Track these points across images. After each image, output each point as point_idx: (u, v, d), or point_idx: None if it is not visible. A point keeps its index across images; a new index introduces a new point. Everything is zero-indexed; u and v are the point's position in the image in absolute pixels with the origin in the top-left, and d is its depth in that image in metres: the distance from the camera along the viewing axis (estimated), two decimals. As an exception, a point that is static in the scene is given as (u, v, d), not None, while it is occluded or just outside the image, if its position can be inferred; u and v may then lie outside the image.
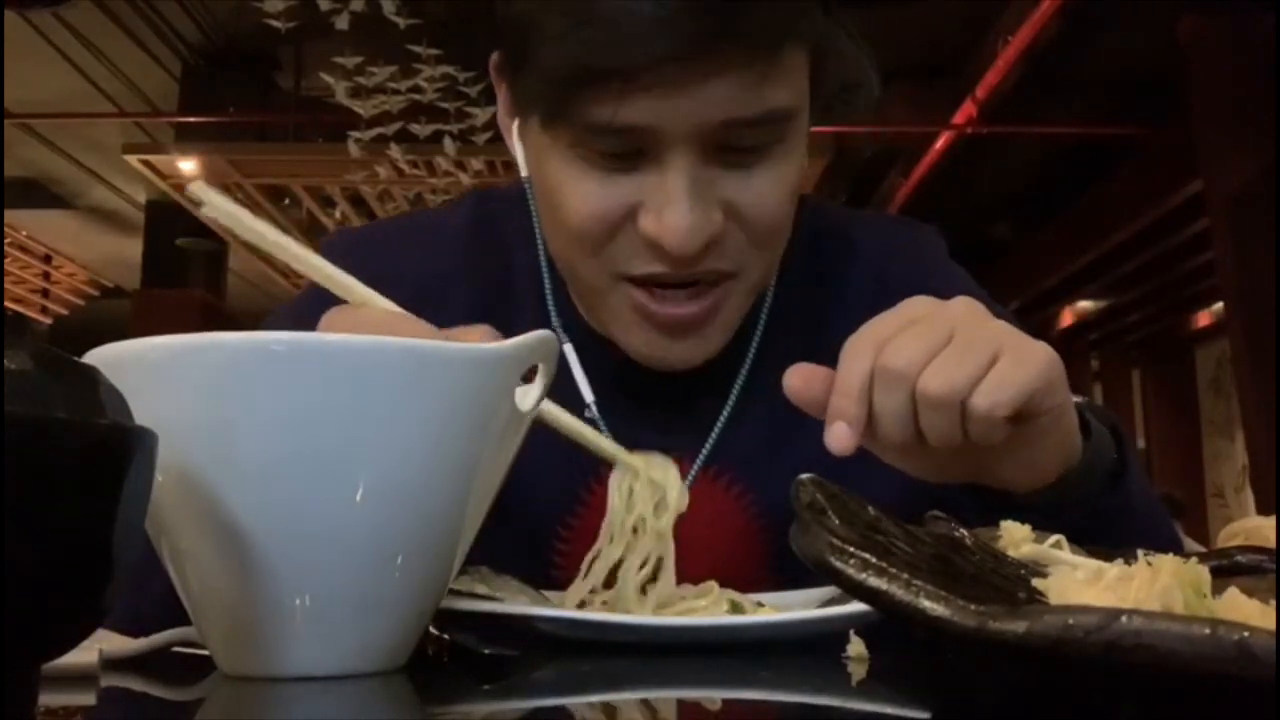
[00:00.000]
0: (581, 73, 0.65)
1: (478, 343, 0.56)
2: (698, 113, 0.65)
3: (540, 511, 0.81)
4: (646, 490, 0.67)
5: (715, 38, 0.63)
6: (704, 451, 0.82)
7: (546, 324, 0.81)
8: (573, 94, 0.65)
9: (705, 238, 0.68)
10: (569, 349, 0.79)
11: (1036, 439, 0.62)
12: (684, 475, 0.75)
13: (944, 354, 0.58)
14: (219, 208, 0.55)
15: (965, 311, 0.61)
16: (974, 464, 0.64)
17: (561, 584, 0.80)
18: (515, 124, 0.76)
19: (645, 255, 0.70)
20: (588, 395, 0.80)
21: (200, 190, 0.56)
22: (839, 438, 0.59)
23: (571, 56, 0.64)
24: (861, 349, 0.60)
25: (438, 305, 0.68)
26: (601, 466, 0.78)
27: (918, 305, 0.62)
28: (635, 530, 0.66)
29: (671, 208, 0.67)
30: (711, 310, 0.73)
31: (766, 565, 0.82)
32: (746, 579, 0.79)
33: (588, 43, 0.64)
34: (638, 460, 0.67)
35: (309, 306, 0.65)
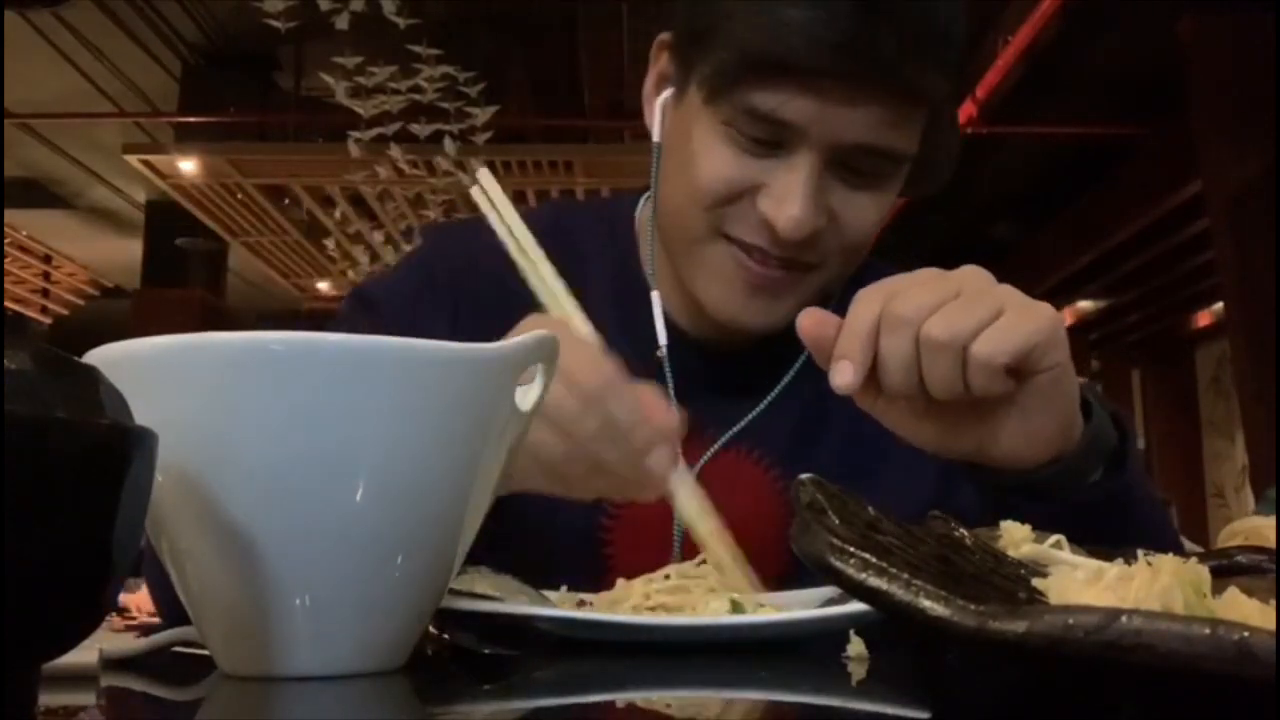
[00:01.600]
0: (763, 63, 0.75)
1: (645, 397, 0.66)
2: (840, 129, 0.76)
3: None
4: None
5: (883, 72, 0.74)
6: (735, 429, 0.89)
7: (636, 299, 0.91)
8: (747, 80, 0.76)
9: (810, 230, 0.78)
10: (655, 295, 0.90)
11: (1036, 400, 0.64)
12: (710, 445, 0.87)
13: (951, 304, 0.62)
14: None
15: (973, 274, 0.65)
16: (974, 432, 0.66)
17: (609, 547, 0.86)
18: (662, 96, 0.87)
19: (752, 228, 0.80)
20: (662, 338, 0.90)
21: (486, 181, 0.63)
22: (842, 376, 0.62)
23: (760, 47, 0.75)
24: (871, 297, 0.63)
25: (515, 292, 0.82)
26: None
27: (928, 271, 0.66)
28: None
29: (791, 200, 0.77)
30: (790, 283, 0.82)
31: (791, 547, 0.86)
32: (774, 555, 0.82)
33: (778, 40, 0.74)
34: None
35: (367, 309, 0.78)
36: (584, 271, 0.93)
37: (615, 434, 0.65)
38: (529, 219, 1.03)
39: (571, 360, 0.62)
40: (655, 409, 0.67)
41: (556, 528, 0.83)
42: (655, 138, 0.88)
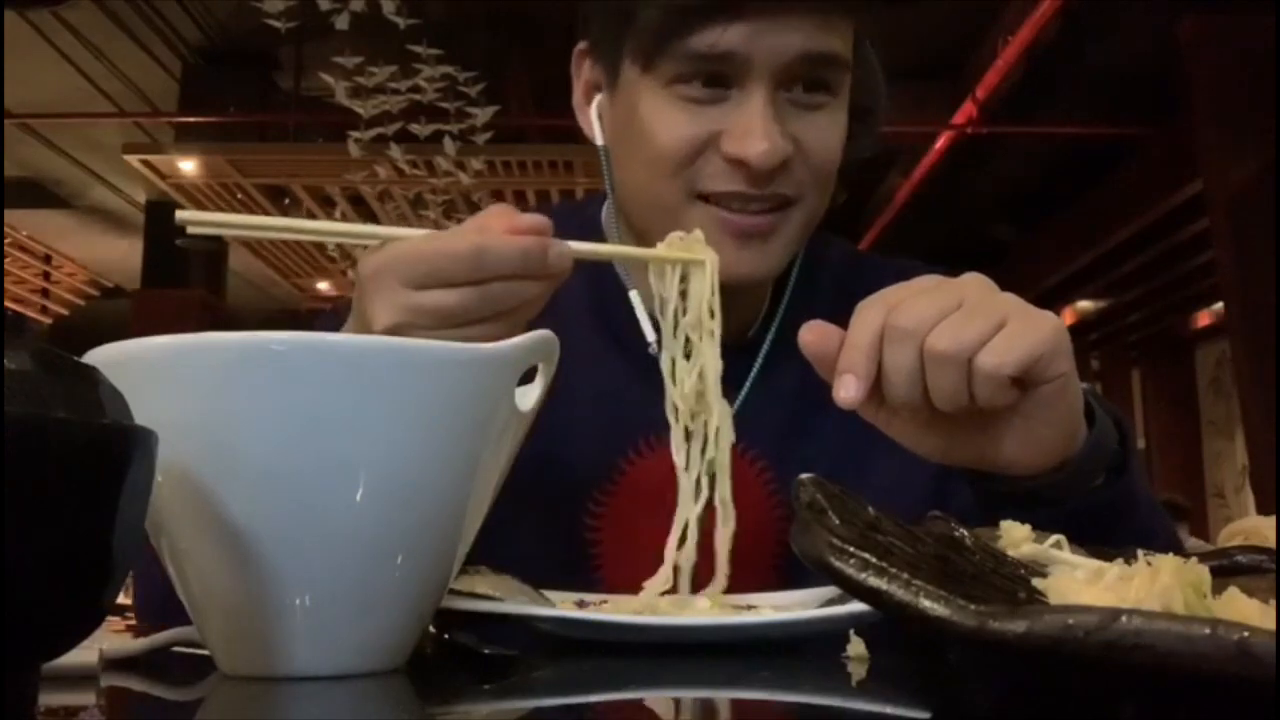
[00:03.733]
0: (689, 7, 0.77)
1: (497, 218, 0.66)
2: (780, 43, 0.78)
3: (579, 477, 0.86)
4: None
5: None
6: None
7: (608, 295, 0.90)
8: (685, 24, 0.78)
9: (781, 156, 0.79)
10: (634, 295, 0.88)
11: (1040, 410, 0.63)
12: None
13: (954, 315, 0.61)
14: (210, 223, 0.58)
15: (975, 282, 0.64)
16: (978, 440, 0.66)
17: (595, 548, 0.85)
18: (594, 102, 0.89)
19: (725, 175, 0.81)
20: (650, 335, 0.88)
21: (187, 216, 0.59)
22: (846, 390, 0.62)
23: None
24: (873, 309, 0.63)
25: None
26: (640, 439, 0.86)
27: (930, 278, 0.65)
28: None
29: (754, 132, 0.78)
30: (775, 225, 0.83)
31: (783, 540, 0.85)
32: (764, 553, 0.82)
33: None
34: (667, 251, 0.75)
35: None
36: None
37: (502, 263, 0.64)
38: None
39: (421, 241, 0.65)
40: (513, 221, 0.67)
41: (540, 529, 0.83)
42: (599, 142, 0.88)
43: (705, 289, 0.73)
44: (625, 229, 0.91)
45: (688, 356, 0.73)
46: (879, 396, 0.63)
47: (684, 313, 0.74)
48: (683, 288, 0.74)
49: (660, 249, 0.75)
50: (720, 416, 0.72)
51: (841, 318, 0.87)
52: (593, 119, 0.89)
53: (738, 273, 0.81)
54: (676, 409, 0.72)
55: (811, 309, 0.89)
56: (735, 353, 0.89)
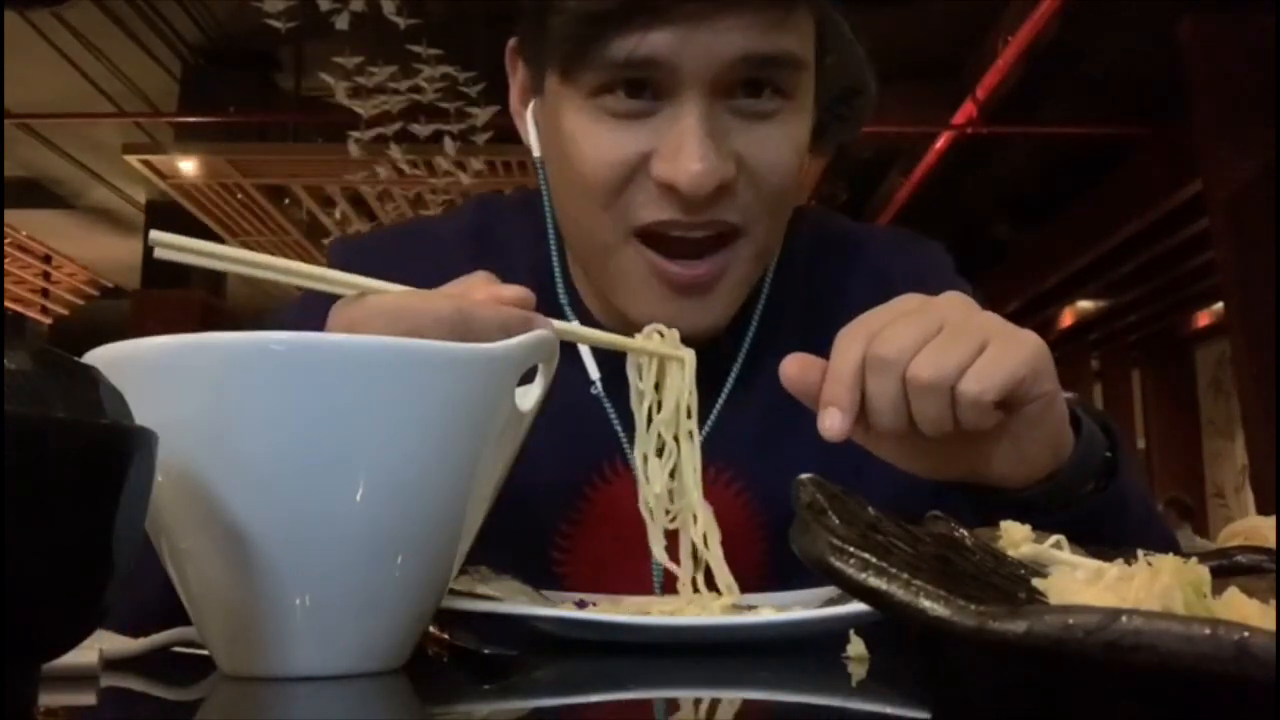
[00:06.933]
0: (606, 9, 0.67)
1: (480, 287, 0.61)
2: (714, 47, 0.68)
3: (542, 509, 0.81)
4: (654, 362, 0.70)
5: None
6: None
7: (550, 312, 0.82)
8: (599, 29, 0.68)
9: (717, 180, 0.70)
10: (575, 326, 0.80)
11: (1026, 429, 0.63)
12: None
13: (934, 342, 0.60)
14: (183, 247, 0.57)
15: (956, 303, 0.63)
16: (967, 458, 0.65)
17: (563, 582, 0.81)
18: (529, 108, 0.80)
19: (657, 203, 0.72)
20: (594, 372, 0.82)
21: (159, 237, 0.58)
22: (831, 422, 0.61)
23: None
24: (854, 338, 0.62)
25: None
26: (604, 464, 0.81)
27: (910, 299, 0.63)
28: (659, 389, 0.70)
29: (685, 150, 0.69)
30: (719, 271, 0.75)
31: (765, 562, 0.83)
32: (746, 575, 0.80)
33: None
34: (645, 342, 0.70)
35: (315, 305, 0.66)
36: (510, 276, 0.89)
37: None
38: (454, 218, 0.91)
39: (403, 296, 0.59)
40: (497, 290, 0.61)
41: (507, 561, 0.79)
42: (535, 152, 0.81)
43: (683, 386, 0.69)
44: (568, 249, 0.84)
45: (660, 454, 0.69)
46: (865, 421, 0.62)
47: (659, 409, 0.69)
48: (657, 383, 0.69)
49: (639, 340, 0.70)
50: (703, 519, 0.68)
51: (814, 312, 0.84)
52: (529, 125, 0.80)
53: (678, 326, 0.73)
54: (650, 508, 0.68)
55: (785, 311, 0.85)
56: (704, 362, 0.85)
